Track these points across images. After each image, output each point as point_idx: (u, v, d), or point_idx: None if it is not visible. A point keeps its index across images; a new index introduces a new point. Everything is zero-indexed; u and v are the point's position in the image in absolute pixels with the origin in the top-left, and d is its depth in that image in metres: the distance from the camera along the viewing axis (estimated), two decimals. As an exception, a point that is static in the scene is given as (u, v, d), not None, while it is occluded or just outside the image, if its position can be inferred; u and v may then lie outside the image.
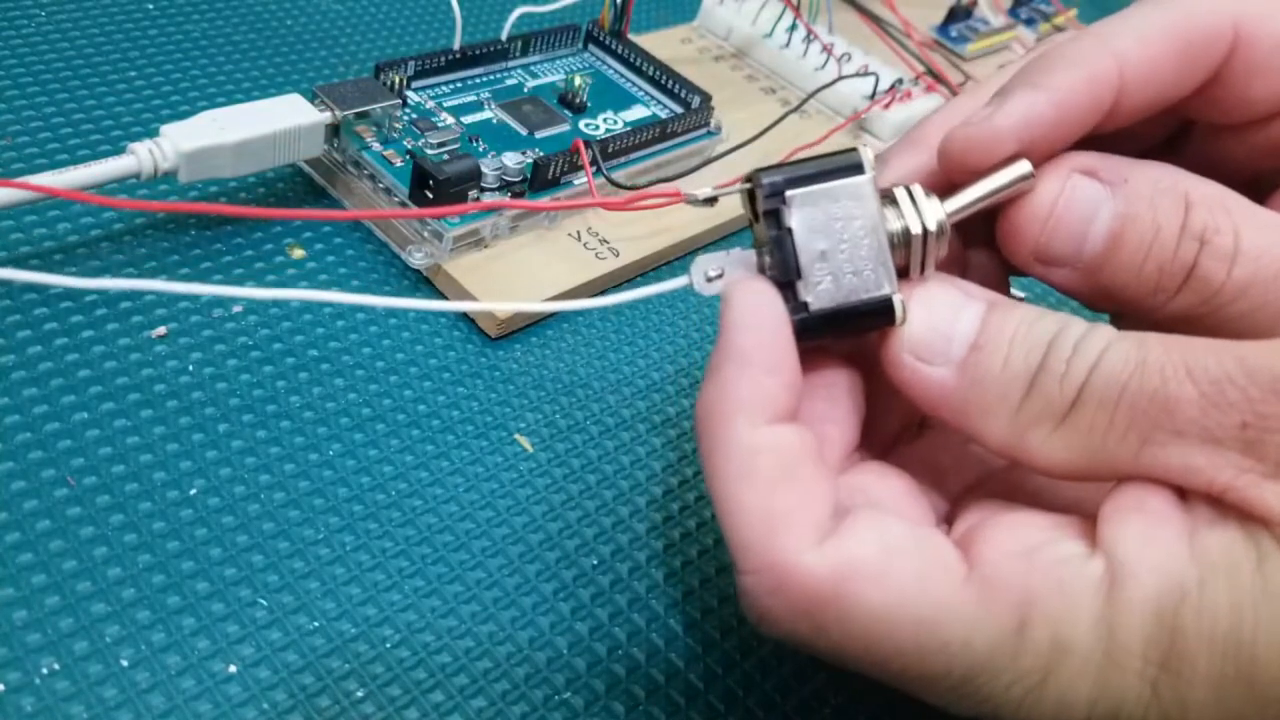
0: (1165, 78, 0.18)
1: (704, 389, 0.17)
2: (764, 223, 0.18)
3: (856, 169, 0.18)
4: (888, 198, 0.18)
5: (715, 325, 0.29)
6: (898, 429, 0.21)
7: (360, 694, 0.19)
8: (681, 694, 0.21)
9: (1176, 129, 0.21)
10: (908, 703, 0.22)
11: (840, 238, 0.18)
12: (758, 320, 0.17)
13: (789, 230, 0.17)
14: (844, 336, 0.18)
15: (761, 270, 0.18)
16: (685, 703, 0.20)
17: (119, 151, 0.24)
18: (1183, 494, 0.16)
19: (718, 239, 0.32)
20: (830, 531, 0.16)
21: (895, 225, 0.18)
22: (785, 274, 0.18)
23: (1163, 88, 0.18)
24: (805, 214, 0.18)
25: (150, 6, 0.33)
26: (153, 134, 0.24)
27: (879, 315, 0.18)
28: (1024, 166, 0.18)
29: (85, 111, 0.28)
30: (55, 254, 0.24)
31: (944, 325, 0.18)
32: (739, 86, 0.39)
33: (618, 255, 0.29)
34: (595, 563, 0.22)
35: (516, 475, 0.24)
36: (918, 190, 0.18)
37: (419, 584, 0.21)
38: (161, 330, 0.24)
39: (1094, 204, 0.18)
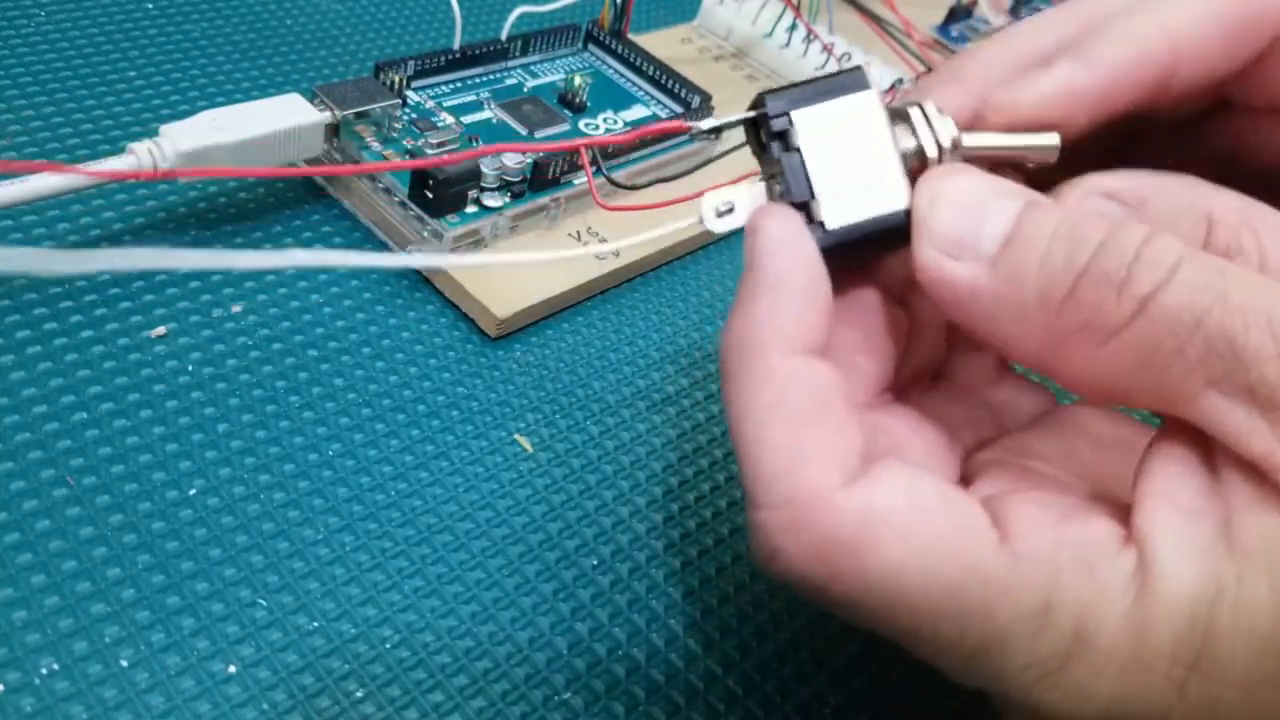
0: (1215, 59, 0.18)
1: (735, 319, 0.16)
2: (772, 147, 0.18)
3: (861, 85, 0.18)
4: (899, 115, 0.18)
5: (717, 325, 0.29)
6: (913, 375, 0.21)
7: (360, 694, 0.19)
8: (681, 694, 0.21)
9: (1211, 106, 0.20)
10: (908, 703, 0.22)
11: (851, 155, 0.17)
12: (791, 246, 0.16)
13: (798, 150, 0.17)
14: (863, 256, 0.18)
15: (773, 201, 0.18)
16: (685, 703, 0.20)
17: (118, 151, 0.24)
18: (1214, 460, 0.15)
19: (721, 236, 0.32)
20: (858, 474, 0.15)
21: (907, 143, 0.18)
22: (799, 195, 0.17)
23: (1211, 69, 0.18)
24: (814, 133, 0.17)
25: (150, 6, 0.33)
26: (152, 134, 0.24)
27: (897, 231, 0.17)
28: (1052, 138, 0.18)
29: (85, 111, 0.28)
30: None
31: (975, 217, 0.16)
32: (739, 86, 0.39)
33: (618, 255, 0.29)
34: (595, 563, 0.22)
35: (516, 475, 0.23)
36: (930, 107, 0.18)
37: (418, 584, 0.21)
38: (161, 330, 0.23)
39: None
